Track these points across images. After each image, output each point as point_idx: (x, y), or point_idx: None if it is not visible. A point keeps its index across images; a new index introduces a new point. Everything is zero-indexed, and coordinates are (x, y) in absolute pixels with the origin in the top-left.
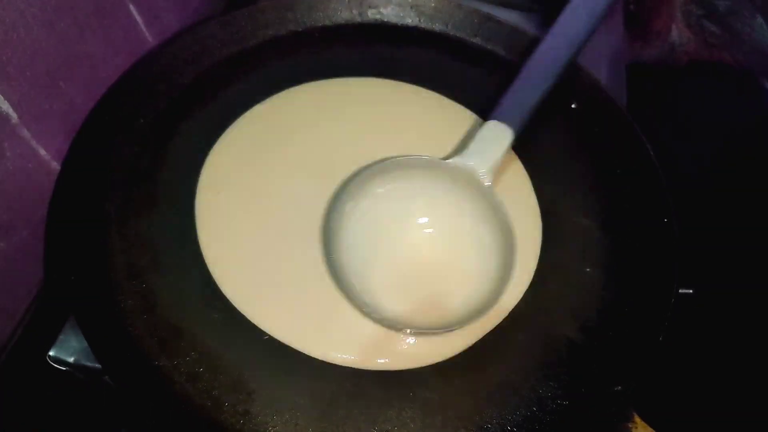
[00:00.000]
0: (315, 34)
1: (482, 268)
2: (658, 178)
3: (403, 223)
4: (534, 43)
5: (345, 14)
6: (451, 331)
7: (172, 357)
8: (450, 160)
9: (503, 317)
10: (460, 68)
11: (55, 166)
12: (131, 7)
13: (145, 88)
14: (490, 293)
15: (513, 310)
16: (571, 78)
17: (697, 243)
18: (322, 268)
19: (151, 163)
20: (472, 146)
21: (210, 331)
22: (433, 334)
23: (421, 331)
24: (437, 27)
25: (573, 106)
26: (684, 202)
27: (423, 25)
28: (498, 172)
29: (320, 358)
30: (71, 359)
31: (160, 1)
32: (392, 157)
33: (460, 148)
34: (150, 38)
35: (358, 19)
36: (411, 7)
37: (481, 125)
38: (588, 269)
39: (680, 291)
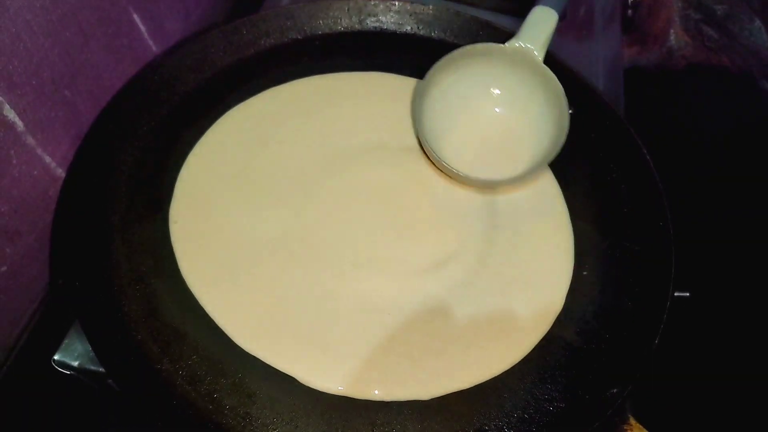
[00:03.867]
0: (315, 41)
1: (538, 131)
2: (655, 182)
3: (472, 99)
4: None
5: (345, 22)
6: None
7: (175, 361)
8: (507, 44)
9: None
10: None
11: (60, 172)
12: (135, 16)
13: (149, 96)
14: (543, 155)
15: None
16: (569, 83)
17: (694, 246)
18: (310, 289)
19: (154, 170)
20: (524, 30)
21: (211, 335)
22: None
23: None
24: (436, 34)
25: (570, 111)
26: (680, 206)
27: (422, 32)
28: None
29: (313, 387)
30: (76, 363)
31: (163, 10)
32: (460, 47)
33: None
34: (153, 47)
35: (358, 27)
36: (410, 15)
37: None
38: (585, 273)
39: (676, 294)
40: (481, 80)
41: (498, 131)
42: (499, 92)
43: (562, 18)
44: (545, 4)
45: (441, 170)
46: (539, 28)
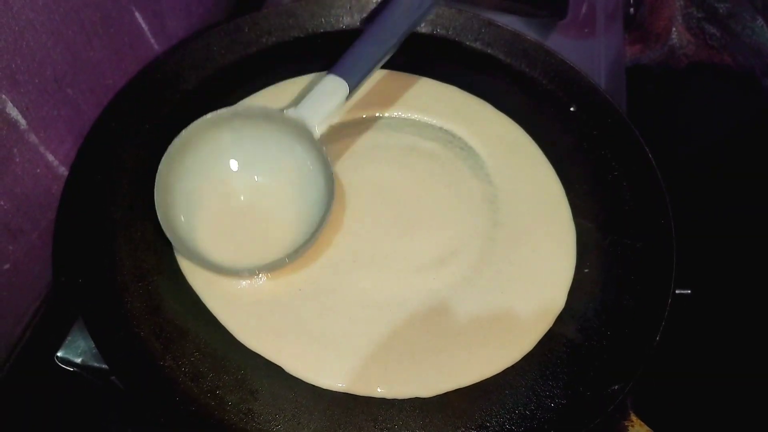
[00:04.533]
0: (317, 40)
1: (303, 210)
2: (656, 179)
3: (234, 173)
4: (533, 47)
5: (347, 20)
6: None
7: (177, 357)
8: (285, 111)
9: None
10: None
11: (63, 171)
12: (137, 14)
13: (151, 94)
14: (307, 234)
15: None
16: (571, 81)
17: (695, 244)
18: (311, 286)
19: (156, 168)
20: (308, 98)
21: (214, 331)
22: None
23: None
24: (438, 32)
25: (572, 109)
26: (682, 203)
27: (423, 30)
28: (330, 123)
29: (315, 385)
30: (79, 360)
31: (165, 8)
32: (230, 107)
33: (298, 100)
34: (156, 45)
35: (360, 26)
36: None
37: (320, 79)
38: (586, 270)
39: (677, 291)
40: (245, 150)
41: (253, 214)
42: (237, 164)
43: (561, 16)
44: (337, 73)
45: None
46: (325, 99)
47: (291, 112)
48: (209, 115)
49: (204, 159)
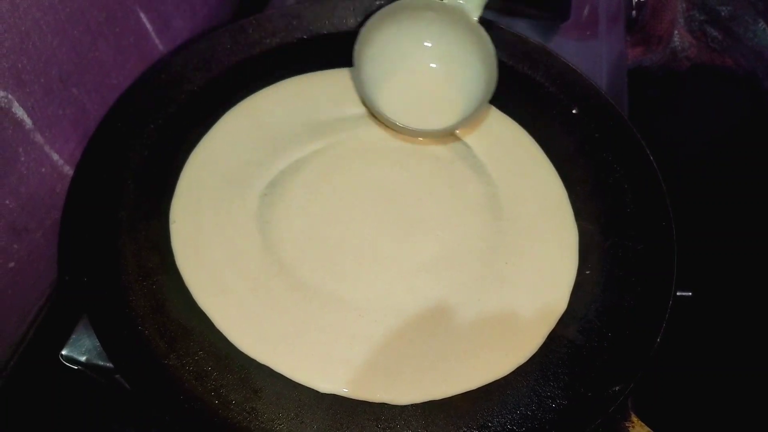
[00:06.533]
0: (321, 41)
1: (470, 86)
2: (658, 182)
3: (408, 54)
4: (536, 49)
5: (350, 22)
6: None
7: (181, 356)
8: (445, 0)
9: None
10: None
11: (68, 170)
12: (142, 15)
13: (156, 94)
14: (473, 109)
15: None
16: (573, 83)
17: (696, 246)
18: (311, 290)
19: (160, 168)
20: None
21: (218, 330)
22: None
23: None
24: None
25: (574, 111)
26: (683, 206)
27: None
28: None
29: (319, 390)
30: (83, 358)
31: (170, 9)
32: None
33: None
34: (160, 46)
35: None
36: None
37: None
38: (588, 271)
39: (678, 293)
40: (416, 34)
41: (432, 85)
42: (430, 45)
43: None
44: None
45: (384, 123)
46: None
47: (450, 1)
48: (379, 12)
49: (395, 38)
